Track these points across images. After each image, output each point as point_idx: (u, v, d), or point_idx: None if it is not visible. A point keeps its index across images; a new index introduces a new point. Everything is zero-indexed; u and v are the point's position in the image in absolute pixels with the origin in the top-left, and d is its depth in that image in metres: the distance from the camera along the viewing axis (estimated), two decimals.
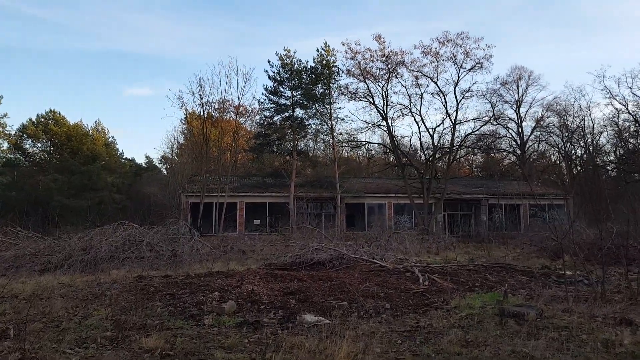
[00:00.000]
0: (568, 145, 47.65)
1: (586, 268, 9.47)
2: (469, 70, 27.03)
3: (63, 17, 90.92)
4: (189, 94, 30.35)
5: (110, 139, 58.16)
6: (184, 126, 39.75)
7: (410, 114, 28.51)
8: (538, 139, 48.15)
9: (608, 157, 43.36)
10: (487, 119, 28.87)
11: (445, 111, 28.14)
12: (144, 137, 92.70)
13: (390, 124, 29.34)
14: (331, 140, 30.28)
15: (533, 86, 47.63)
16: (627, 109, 36.01)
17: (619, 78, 39.30)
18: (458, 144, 29.19)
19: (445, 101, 27.96)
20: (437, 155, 30.07)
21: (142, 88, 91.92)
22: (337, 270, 10.45)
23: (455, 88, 27.52)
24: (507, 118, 39.83)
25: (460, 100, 27.61)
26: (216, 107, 29.91)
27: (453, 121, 27.77)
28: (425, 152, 30.27)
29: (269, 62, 30.33)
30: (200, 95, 28.61)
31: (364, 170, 38.82)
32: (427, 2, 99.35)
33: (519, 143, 47.99)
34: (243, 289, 7.99)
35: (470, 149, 33.38)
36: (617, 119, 37.44)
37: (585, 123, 43.33)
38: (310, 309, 6.59)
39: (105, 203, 48.02)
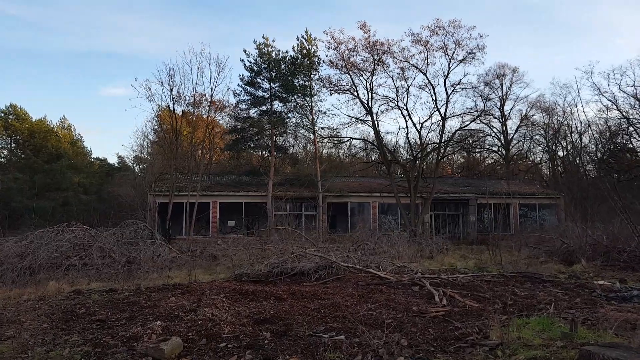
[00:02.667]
0: (553, 144, 46.95)
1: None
2: (460, 61, 25.35)
3: (37, 15, 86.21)
4: (158, 83, 27.44)
5: (76, 137, 54.65)
6: (155, 121, 36.84)
7: (397, 107, 26.62)
8: (523, 137, 47.25)
9: (594, 156, 42.55)
10: (477, 113, 27.18)
11: (434, 105, 26.38)
12: (118, 137, 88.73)
13: (375, 119, 27.43)
14: (312, 136, 28.17)
15: (517, 83, 46.69)
16: (616, 106, 35.09)
17: (608, 74, 38.32)
18: (447, 139, 27.48)
19: (435, 94, 26.24)
20: (426, 151, 28.29)
21: (117, 88, 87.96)
22: (325, 283, 8.37)
23: (445, 80, 25.82)
24: (491, 116, 38.44)
25: (451, 94, 25.90)
26: (190, 101, 27.40)
27: (442, 115, 26.04)
28: (413, 148, 28.46)
29: (244, 51, 28.03)
30: (170, 86, 26.03)
31: (347, 168, 36.80)
32: (408, 4, 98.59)
33: (502, 142, 47.00)
34: (199, 314, 5.82)
35: (460, 145, 31.75)
36: (607, 115, 36.51)
37: (572, 121, 42.54)
38: (292, 349, 4.48)
39: (70, 204, 44.80)
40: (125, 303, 7.40)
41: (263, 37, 27.89)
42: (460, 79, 26.32)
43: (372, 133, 29.85)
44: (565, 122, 43.50)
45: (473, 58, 25.11)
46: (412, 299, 6.79)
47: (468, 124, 26.95)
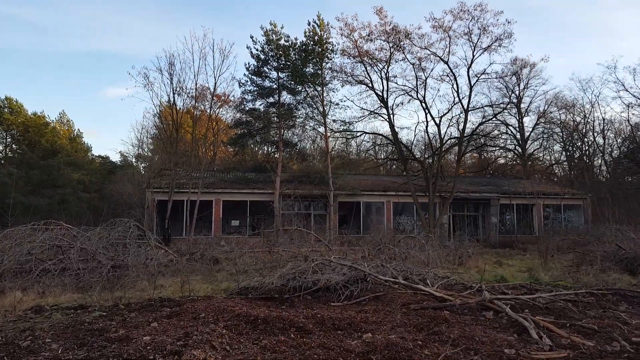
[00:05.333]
0: (570, 143, 44.70)
1: None
2: (485, 49, 23.20)
3: (38, 15, 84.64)
4: (157, 71, 25.36)
5: (75, 132, 52.80)
6: (154, 114, 34.77)
7: (416, 98, 24.49)
8: (541, 135, 44.97)
9: (610, 156, 40.28)
10: (503, 105, 25.03)
11: (454, 97, 24.36)
12: (120, 135, 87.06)
13: (390, 112, 25.35)
14: (323, 129, 26.10)
15: (535, 79, 44.31)
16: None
17: (634, 69, 35.89)
18: (470, 133, 25.32)
19: (457, 85, 24.13)
20: (446, 147, 26.14)
21: (120, 88, 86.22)
22: (360, 303, 6.33)
23: (468, 70, 23.70)
24: (507, 113, 36.09)
25: (474, 84, 23.77)
26: (192, 93, 25.37)
27: (465, 108, 23.89)
28: (432, 143, 26.30)
29: (251, 37, 26.15)
30: (170, 75, 24.06)
31: (358, 165, 34.64)
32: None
33: (519, 140, 44.72)
34: None
35: (484, 139, 29.49)
36: (628, 113, 34.28)
37: (594, 119, 40.24)
38: None
39: (69, 202, 43.02)
40: (90, 330, 5.40)
41: (271, 23, 25.86)
42: (485, 69, 24.18)
43: (384, 129, 27.79)
44: (585, 120, 41.32)
45: (500, 45, 22.98)
46: (496, 334, 4.74)
47: (492, 117, 24.77)
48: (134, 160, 49.64)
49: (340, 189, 25.28)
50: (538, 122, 43.22)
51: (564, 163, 48.01)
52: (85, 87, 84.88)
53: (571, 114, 41.36)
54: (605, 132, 40.94)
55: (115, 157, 56.29)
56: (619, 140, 41.26)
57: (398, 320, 5.24)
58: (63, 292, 9.50)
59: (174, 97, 24.44)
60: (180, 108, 25.65)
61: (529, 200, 28.51)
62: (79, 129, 53.53)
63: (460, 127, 25.11)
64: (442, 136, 25.51)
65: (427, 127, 25.83)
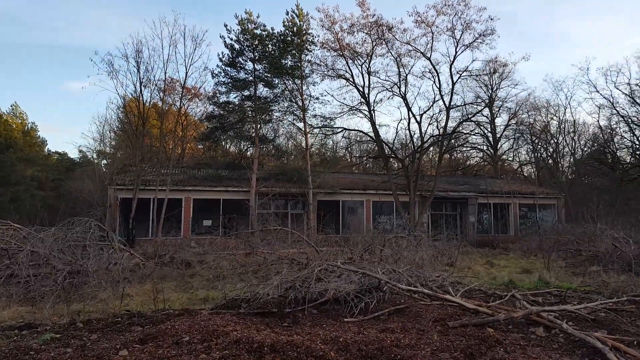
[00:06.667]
0: (539, 144, 45.39)
1: None
2: (468, 45, 22.71)
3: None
4: (122, 58, 23.20)
5: (30, 125, 49.28)
6: (119, 106, 32.35)
7: (398, 95, 23.73)
8: (513, 137, 45.41)
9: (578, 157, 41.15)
10: (484, 103, 24.67)
11: (435, 94, 23.77)
12: (81, 130, 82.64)
13: (372, 108, 24.50)
14: (302, 125, 24.94)
15: (507, 80, 44.68)
16: (612, 104, 33.43)
17: (606, 71, 36.69)
18: (452, 130, 24.81)
19: (439, 81, 23.52)
20: (426, 145, 25.54)
21: (83, 82, 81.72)
22: (379, 318, 5.26)
23: (451, 67, 23.13)
24: (480, 115, 36.02)
25: (457, 81, 23.24)
26: (161, 85, 23.55)
27: (447, 105, 23.34)
28: (413, 140, 25.65)
29: (225, 26, 24.52)
30: (137, 62, 22.23)
31: (337, 163, 33.65)
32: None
33: (491, 141, 45.03)
34: None
35: (465, 137, 29.16)
36: (598, 115, 34.98)
37: (565, 121, 40.88)
38: None
39: (21, 200, 39.96)
40: None
41: (246, 12, 24.49)
42: (467, 66, 23.68)
43: (363, 128, 26.94)
44: (559, 121, 41.96)
45: (483, 42, 22.55)
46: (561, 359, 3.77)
47: (474, 115, 24.36)
48: (95, 155, 46.74)
49: (319, 187, 24.22)
50: (509, 123, 43.59)
51: (533, 164, 48.79)
52: (42, 80, 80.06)
53: (541, 116, 41.92)
54: (575, 133, 41.75)
55: (74, 154, 52.96)
56: (581, 141, 42.21)
57: (437, 342, 4.20)
58: (8, 305, 7.99)
59: (140, 87, 22.66)
60: (147, 99, 23.88)
61: (505, 200, 28.40)
62: (33, 122, 49.99)
63: (441, 124, 24.57)
64: (423, 134, 24.90)
65: (409, 124, 25.20)
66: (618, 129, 35.83)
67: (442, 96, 23.68)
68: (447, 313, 5.30)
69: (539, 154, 46.77)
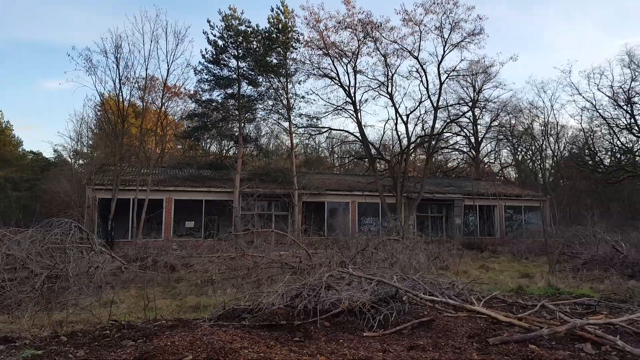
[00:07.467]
0: (519, 146, 45.90)
1: None
2: (456, 45, 22.58)
3: None
4: (101, 53, 22.05)
5: (4, 125, 47.30)
6: (96, 104, 31.07)
7: (385, 94, 23.43)
8: (495, 139, 45.77)
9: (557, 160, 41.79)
10: (468, 106, 24.60)
11: (422, 94, 23.52)
12: (59, 129, 79.96)
13: (358, 108, 24.14)
14: (287, 124, 24.40)
15: (491, 82, 45.02)
16: (594, 106, 33.92)
17: (588, 74, 37.24)
18: (440, 130, 24.65)
19: (427, 81, 23.32)
20: (412, 146, 25.31)
21: (60, 80, 79.05)
22: (402, 332, 4.74)
23: (439, 66, 22.96)
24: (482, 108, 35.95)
25: (444, 81, 23.09)
26: (142, 84, 22.62)
27: (435, 105, 23.15)
28: (400, 140, 25.39)
29: (208, 21, 23.92)
30: (117, 58, 21.33)
31: (322, 163, 33.18)
32: None
33: (473, 142, 45.27)
34: None
35: (453, 137, 29.05)
36: (581, 117, 35.48)
37: (547, 124, 41.37)
38: None
39: None
40: None
41: (230, 8, 23.79)
42: (455, 65, 23.57)
43: (351, 127, 26.55)
44: (538, 124, 42.47)
45: (471, 42, 22.45)
46: None
47: (461, 115, 24.26)
48: (71, 155, 45.09)
49: (304, 188, 23.71)
50: (491, 124, 43.87)
51: (513, 166, 49.30)
52: (16, 78, 77.14)
53: (524, 118, 42.34)
54: (557, 136, 42.29)
55: (49, 153, 51.07)
56: (561, 144, 42.86)
57: None
58: None
59: (120, 84, 21.76)
60: (126, 96, 22.95)
61: (491, 202, 28.39)
62: (8, 122, 48.03)
63: (428, 125, 24.38)
64: (410, 135, 24.67)
65: (396, 124, 24.98)
66: (599, 131, 36.44)
67: (429, 96, 23.51)
68: (479, 327, 4.83)
69: (520, 156, 47.35)
